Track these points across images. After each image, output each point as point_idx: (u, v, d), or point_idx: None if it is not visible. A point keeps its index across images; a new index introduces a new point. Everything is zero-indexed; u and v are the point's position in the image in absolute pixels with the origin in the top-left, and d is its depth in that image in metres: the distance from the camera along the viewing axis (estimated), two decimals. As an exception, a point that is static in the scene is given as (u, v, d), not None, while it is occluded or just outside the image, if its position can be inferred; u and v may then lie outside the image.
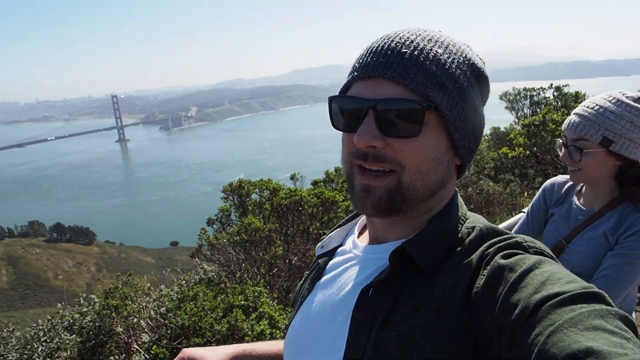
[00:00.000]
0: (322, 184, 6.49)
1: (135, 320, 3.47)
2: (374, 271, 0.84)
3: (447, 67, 0.79)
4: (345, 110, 0.82)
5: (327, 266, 0.99)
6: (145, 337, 3.53)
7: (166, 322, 3.45)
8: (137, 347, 3.39)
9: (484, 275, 0.72)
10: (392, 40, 0.80)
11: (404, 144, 0.77)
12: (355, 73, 0.81)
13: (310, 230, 4.68)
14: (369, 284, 0.81)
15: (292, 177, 7.24)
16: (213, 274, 4.26)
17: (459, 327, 0.71)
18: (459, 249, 0.80)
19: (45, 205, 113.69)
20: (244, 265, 4.28)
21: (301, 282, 1.06)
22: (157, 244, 73.89)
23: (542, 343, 0.56)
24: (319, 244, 1.05)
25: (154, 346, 3.05)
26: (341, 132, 0.85)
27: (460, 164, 0.85)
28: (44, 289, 59.52)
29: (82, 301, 3.83)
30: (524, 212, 2.11)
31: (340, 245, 1.02)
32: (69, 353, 3.09)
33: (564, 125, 1.78)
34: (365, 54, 0.82)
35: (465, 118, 0.81)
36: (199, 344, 2.95)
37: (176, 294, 3.81)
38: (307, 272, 1.07)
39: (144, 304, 3.71)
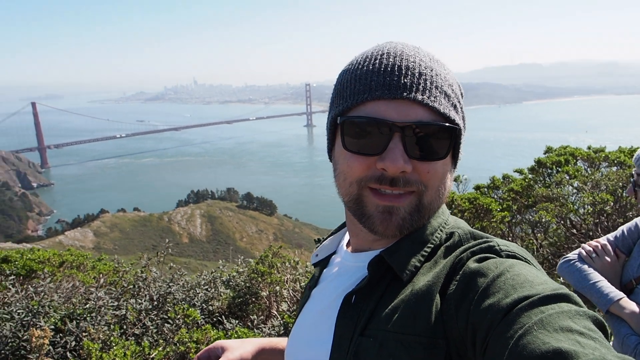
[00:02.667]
0: (485, 189, 6.11)
1: (277, 288, 3.82)
2: (358, 278, 0.86)
3: (454, 88, 0.82)
4: (365, 131, 0.79)
5: (322, 275, 1.01)
6: (284, 306, 3.86)
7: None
8: (275, 312, 3.74)
9: (456, 281, 0.72)
10: (403, 59, 0.79)
11: (431, 166, 0.79)
12: (377, 92, 0.77)
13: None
14: (351, 292, 0.83)
15: (456, 179, 6.95)
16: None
17: (431, 333, 0.71)
18: (437, 255, 0.82)
19: (241, 175, 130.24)
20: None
21: (303, 291, 1.11)
22: (328, 225, 78.40)
23: (513, 345, 0.57)
24: (313, 253, 1.07)
25: (286, 316, 3.33)
26: (347, 153, 0.82)
27: None
28: (230, 247, 68.80)
29: (240, 262, 4.37)
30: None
31: (334, 253, 1.04)
32: (220, 303, 3.58)
33: (634, 159, 1.64)
34: (377, 72, 0.79)
35: (460, 134, 0.85)
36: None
37: (317, 273, 4.05)
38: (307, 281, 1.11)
39: (287, 276, 4.05)
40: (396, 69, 0.78)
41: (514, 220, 5.90)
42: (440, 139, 0.78)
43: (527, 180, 6.02)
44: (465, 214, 4.29)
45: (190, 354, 2.45)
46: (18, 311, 2.84)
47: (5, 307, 3.17)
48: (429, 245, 0.83)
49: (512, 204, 5.84)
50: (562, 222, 4.78)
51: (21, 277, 4.04)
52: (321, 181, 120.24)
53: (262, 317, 3.62)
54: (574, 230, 5.34)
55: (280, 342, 1.17)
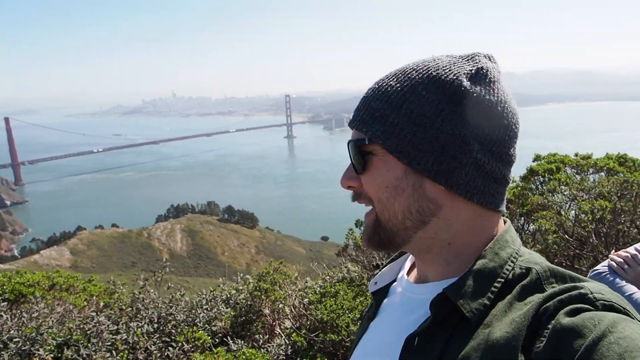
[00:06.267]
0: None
1: (280, 305, 3.73)
2: (420, 315, 0.80)
3: (392, 97, 0.79)
4: None
5: (381, 305, 0.95)
6: (287, 323, 3.77)
7: (307, 313, 3.65)
8: (279, 331, 3.65)
9: (544, 338, 0.64)
10: (369, 88, 0.86)
11: (364, 179, 0.82)
12: None
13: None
14: (414, 333, 0.77)
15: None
16: (355, 274, 4.35)
17: None
18: (512, 294, 0.73)
19: (222, 188, 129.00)
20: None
21: (361, 320, 1.03)
22: (309, 236, 78.48)
23: None
24: (371, 280, 1.00)
25: (294, 334, 3.25)
26: None
27: (456, 188, 0.78)
28: (212, 262, 67.97)
29: (239, 280, 4.27)
30: None
31: (394, 281, 0.97)
32: (223, 324, 3.48)
33: None
34: None
35: (415, 141, 0.77)
36: (334, 340, 3.05)
37: (319, 288, 3.98)
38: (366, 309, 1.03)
39: (289, 292, 3.96)
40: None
41: (506, 229, 5.92)
42: (356, 153, 0.82)
43: (519, 188, 6.08)
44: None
45: (206, 380, 2.34)
46: (14, 339, 2.70)
47: (-3, 335, 3.01)
48: (499, 280, 0.75)
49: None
50: (559, 229, 4.81)
51: (9, 302, 3.86)
52: (302, 193, 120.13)
53: (266, 335, 3.52)
54: (567, 236, 5.39)
55: None
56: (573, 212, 5.21)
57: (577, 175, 6.15)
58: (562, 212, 5.24)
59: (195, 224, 78.66)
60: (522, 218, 6.32)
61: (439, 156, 0.77)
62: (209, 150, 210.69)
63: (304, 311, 3.63)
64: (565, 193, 5.54)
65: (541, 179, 5.93)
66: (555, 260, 5.55)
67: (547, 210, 4.88)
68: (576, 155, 6.49)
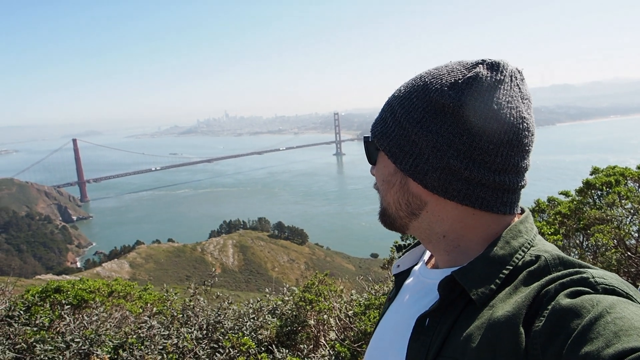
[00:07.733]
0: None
1: (325, 316, 3.76)
2: (432, 298, 0.84)
3: (394, 102, 0.87)
4: None
5: (402, 287, 1.00)
6: (332, 335, 3.78)
7: (352, 325, 3.65)
8: (324, 342, 3.67)
9: (543, 317, 0.66)
10: None
11: (374, 170, 0.94)
12: None
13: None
14: (425, 313, 0.81)
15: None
16: (401, 288, 4.30)
17: None
18: (518, 279, 0.75)
19: (273, 204, 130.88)
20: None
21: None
22: (359, 253, 77.82)
23: None
24: (394, 263, 1.05)
25: (337, 344, 3.26)
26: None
27: (431, 187, 0.83)
28: (262, 277, 68.84)
29: (285, 291, 4.33)
30: None
31: (416, 265, 1.02)
32: (268, 333, 3.54)
33: None
34: None
35: (401, 143, 0.84)
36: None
37: (364, 300, 3.98)
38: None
39: (334, 304, 3.98)
40: None
41: (562, 244, 5.67)
42: (365, 148, 0.95)
43: (575, 202, 5.81)
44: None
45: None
46: (75, 339, 2.89)
47: (59, 337, 3.23)
48: (507, 267, 0.77)
49: (559, 228, 5.62)
50: (619, 244, 4.55)
51: (72, 307, 4.13)
52: (352, 209, 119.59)
53: (310, 346, 3.55)
54: (629, 253, 5.07)
55: None
56: (634, 227, 4.92)
57: (639, 189, 5.79)
58: (622, 227, 4.95)
59: (247, 239, 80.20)
60: (580, 234, 6.02)
61: (416, 159, 0.82)
62: (260, 168, 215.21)
63: (348, 323, 3.64)
64: (626, 207, 5.24)
65: (599, 193, 5.65)
66: (619, 275, 5.23)
67: (604, 225, 4.64)
68: (638, 167, 6.13)
